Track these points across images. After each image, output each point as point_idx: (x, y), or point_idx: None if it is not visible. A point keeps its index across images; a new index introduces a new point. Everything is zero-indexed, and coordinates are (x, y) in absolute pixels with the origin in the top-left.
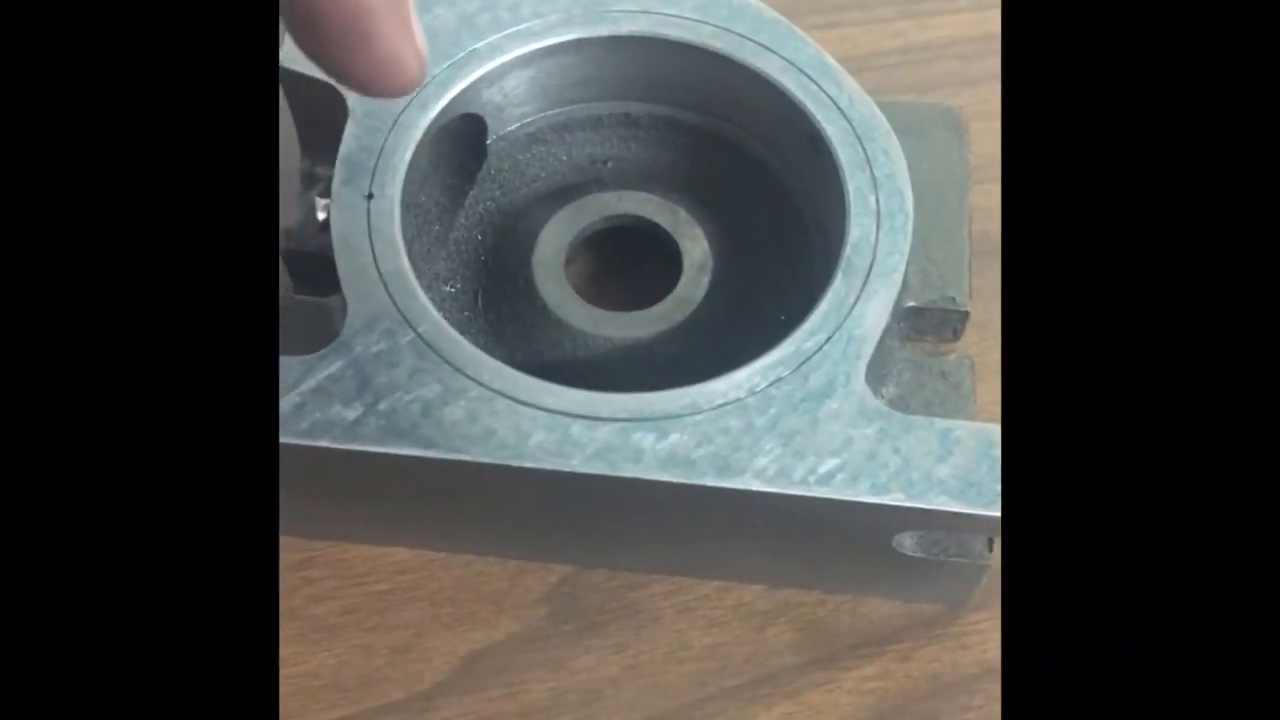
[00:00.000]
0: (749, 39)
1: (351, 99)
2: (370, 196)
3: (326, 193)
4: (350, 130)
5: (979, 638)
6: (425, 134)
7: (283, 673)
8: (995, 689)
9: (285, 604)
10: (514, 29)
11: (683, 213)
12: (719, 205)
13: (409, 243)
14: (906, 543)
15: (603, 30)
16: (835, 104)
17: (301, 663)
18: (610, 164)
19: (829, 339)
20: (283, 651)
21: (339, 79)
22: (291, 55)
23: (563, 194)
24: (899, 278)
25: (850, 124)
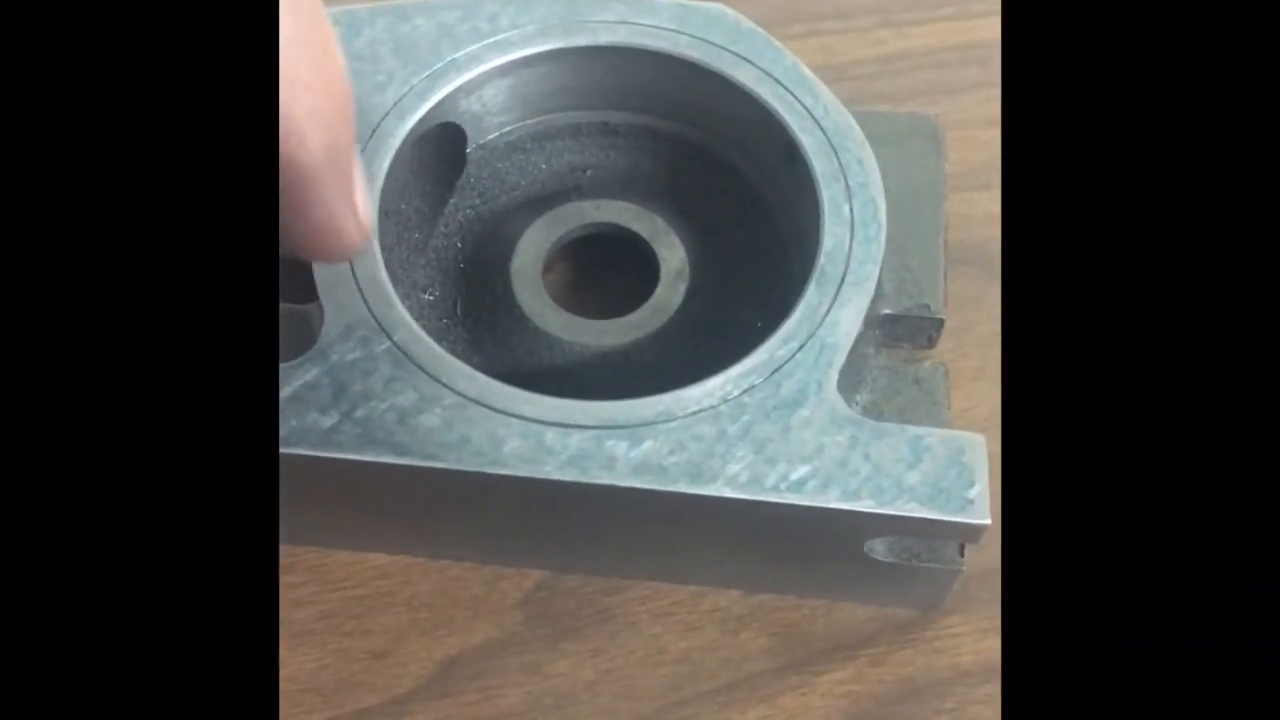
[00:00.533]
0: (726, 49)
1: None
2: None
3: None
4: None
5: (951, 642)
6: (404, 143)
7: None
8: (967, 692)
9: None
10: (493, 39)
11: (660, 221)
12: (696, 214)
13: (388, 250)
14: (878, 548)
15: (581, 40)
16: (811, 114)
17: (280, 667)
18: (589, 172)
19: (801, 347)
20: None
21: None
22: None
23: (542, 202)
24: (872, 286)
25: (825, 134)
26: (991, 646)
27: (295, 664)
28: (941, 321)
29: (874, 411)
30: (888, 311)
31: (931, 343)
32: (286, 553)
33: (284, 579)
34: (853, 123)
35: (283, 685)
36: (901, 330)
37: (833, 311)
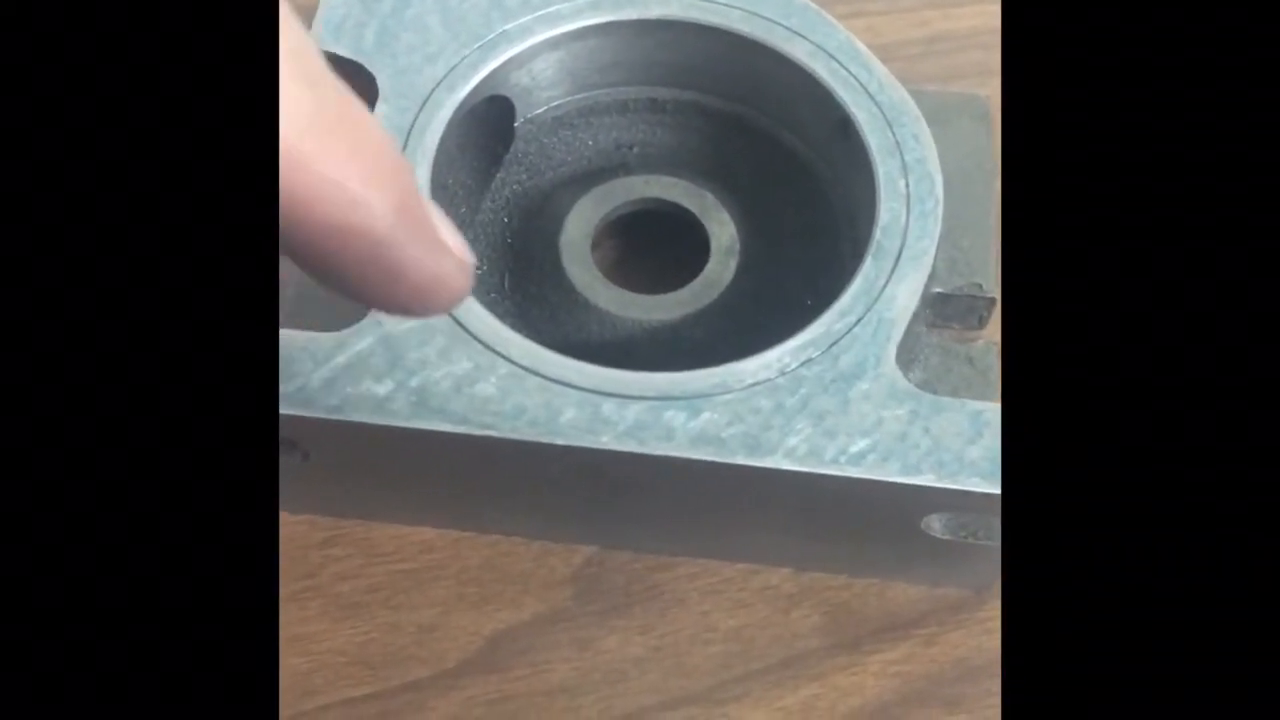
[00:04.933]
0: (778, 24)
1: (381, 78)
2: None
3: None
4: (380, 110)
5: None
6: (454, 115)
7: (309, 649)
8: None
9: (311, 581)
10: (543, 11)
11: (710, 197)
12: (746, 190)
13: None
14: (935, 525)
15: (631, 14)
16: (865, 89)
17: (328, 639)
18: (636, 149)
19: (859, 321)
20: (309, 628)
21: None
22: (319, 34)
23: (589, 178)
24: (929, 261)
25: (880, 109)
26: None
27: (343, 637)
28: (994, 301)
29: (927, 389)
30: (939, 290)
31: (982, 323)
32: (333, 526)
33: (330, 552)
34: (907, 97)
35: (330, 658)
36: (952, 310)
37: (890, 286)
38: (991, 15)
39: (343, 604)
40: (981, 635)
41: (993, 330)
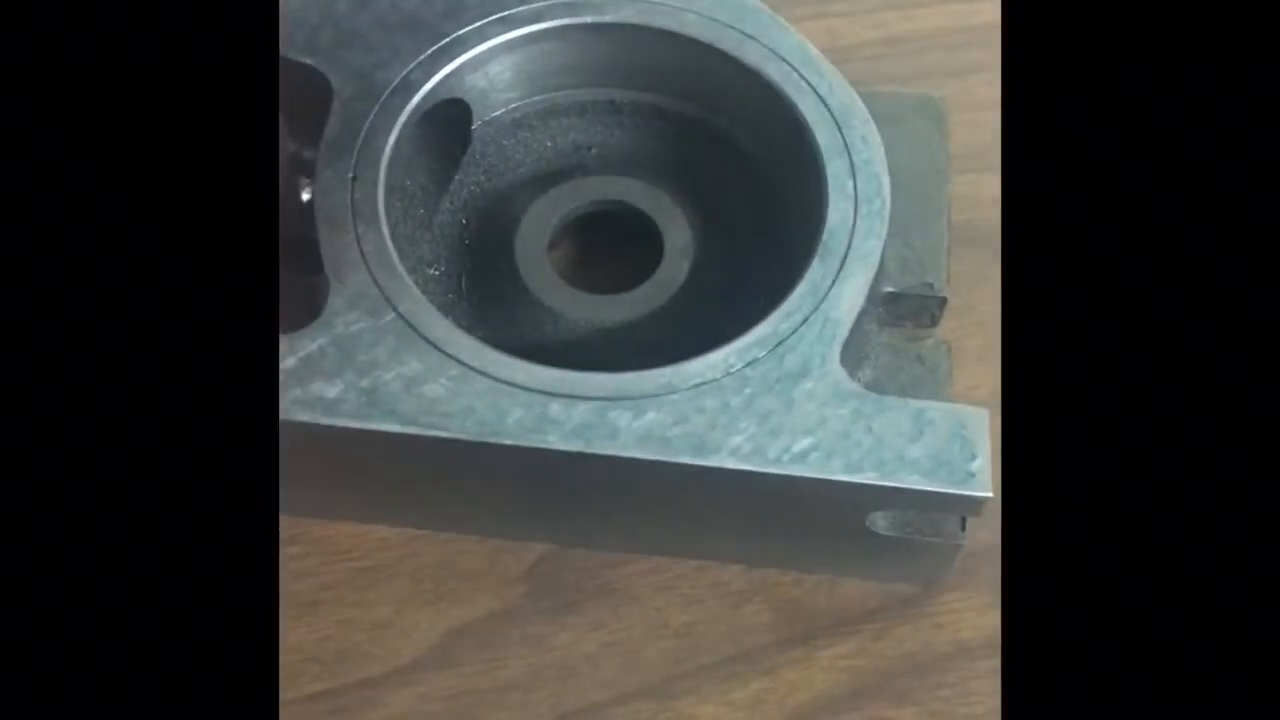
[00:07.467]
0: (731, 27)
1: (336, 81)
2: (354, 178)
3: (311, 174)
4: (335, 113)
5: (952, 618)
6: (410, 117)
7: None
8: (968, 667)
9: None
10: (499, 14)
11: (665, 198)
12: (701, 191)
13: (394, 226)
14: (880, 522)
15: (587, 17)
16: (815, 91)
17: (283, 637)
18: (594, 150)
19: (805, 321)
20: None
21: None
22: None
23: (547, 179)
24: (875, 261)
25: (829, 111)
26: (992, 621)
27: (298, 634)
28: (944, 300)
29: (877, 388)
30: (890, 289)
31: (934, 321)
32: (290, 524)
33: (287, 550)
34: (857, 99)
35: (285, 656)
36: (904, 309)
37: (836, 286)
38: (950, 17)
39: (299, 602)
40: (930, 630)
41: (944, 329)
